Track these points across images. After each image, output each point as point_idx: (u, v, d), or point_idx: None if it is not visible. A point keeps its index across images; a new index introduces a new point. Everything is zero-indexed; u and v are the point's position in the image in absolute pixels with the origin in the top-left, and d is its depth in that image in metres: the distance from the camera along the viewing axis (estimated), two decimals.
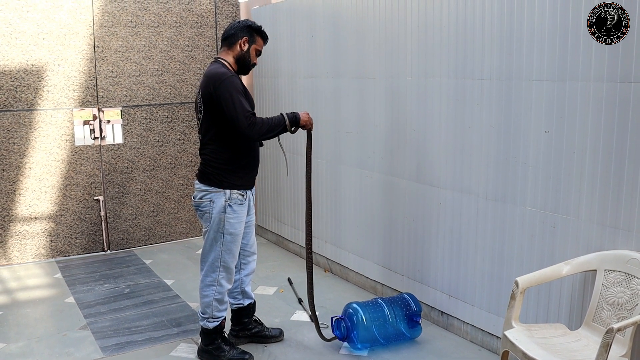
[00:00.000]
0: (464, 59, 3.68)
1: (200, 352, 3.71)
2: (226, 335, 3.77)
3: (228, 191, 3.51)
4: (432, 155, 4.00)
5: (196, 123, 3.81)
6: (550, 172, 3.23)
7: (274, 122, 3.50)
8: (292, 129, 3.57)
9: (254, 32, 3.61)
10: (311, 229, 3.82)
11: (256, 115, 3.48)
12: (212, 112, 3.44)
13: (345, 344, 3.84)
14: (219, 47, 3.70)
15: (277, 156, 5.79)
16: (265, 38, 3.68)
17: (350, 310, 3.78)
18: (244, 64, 3.62)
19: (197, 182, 3.61)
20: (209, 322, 3.62)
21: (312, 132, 3.75)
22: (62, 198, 5.61)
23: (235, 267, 3.77)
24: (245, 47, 3.58)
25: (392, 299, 3.93)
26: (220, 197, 3.51)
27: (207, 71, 3.51)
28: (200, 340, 3.74)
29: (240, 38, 3.56)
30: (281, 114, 3.54)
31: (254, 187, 3.74)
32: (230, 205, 3.51)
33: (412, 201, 4.20)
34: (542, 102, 3.23)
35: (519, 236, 3.44)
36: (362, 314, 3.72)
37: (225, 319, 3.69)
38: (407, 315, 3.81)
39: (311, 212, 3.82)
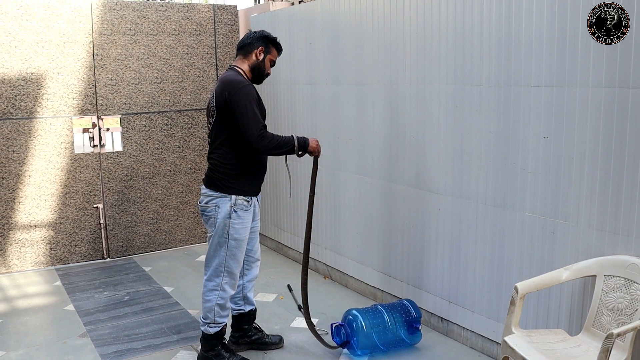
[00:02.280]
0: (462, 66, 3.69)
1: (200, 358, 3.70)
2: (226, 342, 3.76)
3: (234, 197, 3.53)
4: (431, 161, 4.00)
5: (206, 127, 3.83)
6: (549, 177, 3.24)
7: (283, 140, 3.53)
8: (300, 152, 3.61)
9: (270, 43, 3.67)
10: (309, 252, 3.89)
11: (267, 128, 3.52)
12: (224, 117, 3.47)
13: (345, 350, 3.83)
14: (235, 55, 3.74)
15: (277, 164, 5.80)
16: (279, 49, 3.75)
17: (350, 317, 3.78)
18: (259, 73, 3.67)
19: (203, 187, 3.63)
20: (210, 327, 3.61)
21: (319, 159, 3.76)
22: (61, 206, 5.61)
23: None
24: (261, 57, 3.63)
25: (392, 305, 3.93)
26: (225, 203, 3.52)
27: (223, 77, 3.55)
28: (200, 347, 3.73)
29: (256, 48, 3.62)
30: (292, 136, 3.57)
31: (260, 194, 3.75)
32: (235, 211, 3.52)
33: (412, 207, 4.21)
34: (540, 108, 3.24)
35: (519, 242, 3.45)
36: (362, 321, 3.72)
37: (226, 325, 3.69)
38: (406, 322, 3.81)
39: (310, 237, 3.87)
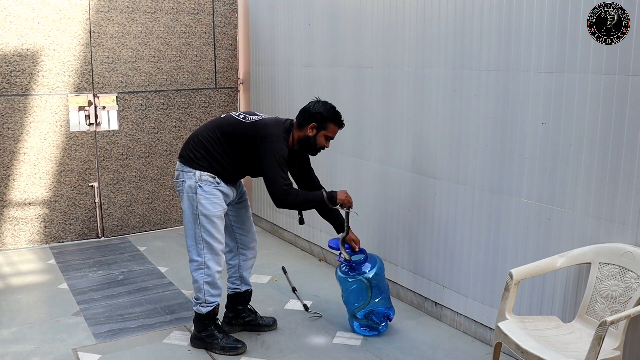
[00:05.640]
0: (461, 50, 3.66)
1: (194, 339, 3.71)
2: (219, 323, 3.75)
3: (198, 172, 3.51)
4: (428, 145, 3.98)
5: (226, 113, 3.79)
6: (546, 164, 3.22)
7: (309, 197, 3.53)
8: (331, 205, 3.58)
9: (327, 120, 3.55)
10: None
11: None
12: (251, 149, 3.50)
13: (339, 333, 3.84)
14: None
15: None
16: (340, 124, 3.61)
17: (375, 256, 3.91)
18: (307, 147, 3.61)
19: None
20: (202, 306, 3.60)
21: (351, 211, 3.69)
22: (56, 184, 5.58)
23: (232, 252, 3.80)
24: (312, 134, 3.56)
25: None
26: (190, 178, 3.52)
27: (266, 120, 3.57)
28: (193, 327, 3.73)
29: (308, 123, 3.54)
30: (321, 192, 3.56)
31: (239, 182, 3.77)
32: (200, 186, 3.50)
33: (408, 191, 4.19)
34: (539, 93, 3.21)
35: (514, 228, 3.44)
36: (382, 264, 3.87)
37: (218, 305, 3.68)
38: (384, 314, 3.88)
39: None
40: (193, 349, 3.69)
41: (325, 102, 3.62)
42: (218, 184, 3.54)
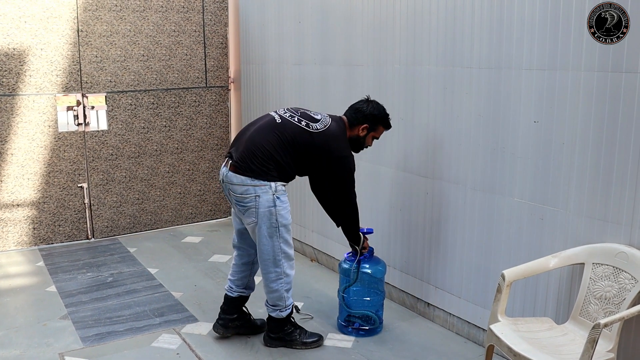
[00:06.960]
0: (452, 47, 3.61)
1: (269, 340, 3.69)
2: (293, 320, 3.74)
3: (273, 184, 3.42)
4: (419, 144, 3.94)
5: (279, 115, 3.60)
6: (539, 163, 3.18)
7: (358, 226, 3.70)
8: (356, 246, 3.74)
9: (378, 122, 3.65)
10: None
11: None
12: (312, 156, 3.51)
13: (330, 335, 3.79)
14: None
15: None
16: (388, 127, 3.72)
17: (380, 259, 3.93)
18: (357, 145, 3.69)
19: (234, 174, 3.44)
20: (281, 312, 3.60)
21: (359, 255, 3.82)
22: (45, 185, 5.51)
23: (250, 256, 3.74)
24: (363, 134, 3.65)
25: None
26: (267, 192, 3.40)
27: (333, 131, 3.52)
28: (267, 329, 3.71)
29: (361, 124, 3.61)
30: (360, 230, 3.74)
31: None
32: (278, 197, 3.43)
33: (399, 190, 4.15)
34: (531, 91, 3.17)
35: (507, 228, 3.39)
36: (385, 266, 3.92)
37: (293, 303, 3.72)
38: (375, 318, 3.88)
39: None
40: (182, 352, 3.64)
41: (377, 103, 3.67)
42: (285, 190, 3.52)
